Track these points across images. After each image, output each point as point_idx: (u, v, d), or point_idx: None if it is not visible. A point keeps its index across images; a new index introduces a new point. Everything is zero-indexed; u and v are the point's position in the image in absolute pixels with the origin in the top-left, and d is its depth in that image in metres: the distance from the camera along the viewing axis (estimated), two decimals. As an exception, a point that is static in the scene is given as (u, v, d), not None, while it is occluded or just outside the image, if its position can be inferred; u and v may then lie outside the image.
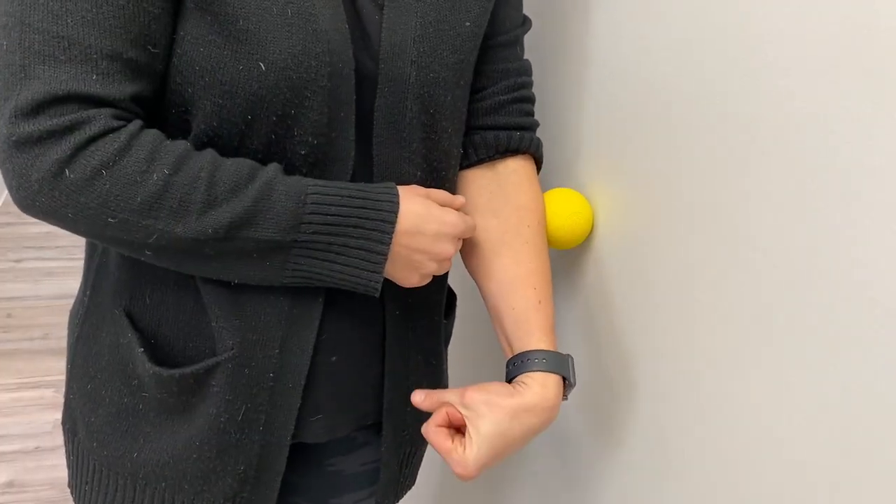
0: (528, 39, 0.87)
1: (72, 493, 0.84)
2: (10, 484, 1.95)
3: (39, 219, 0.61)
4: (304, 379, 0.74)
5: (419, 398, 0.74)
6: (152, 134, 0.62)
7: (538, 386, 0.71)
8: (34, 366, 2.36)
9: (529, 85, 0.84)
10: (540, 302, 0.77)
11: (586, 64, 0.88)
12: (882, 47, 0.50)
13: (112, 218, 0.60)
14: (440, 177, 0.77)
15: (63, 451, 2.03)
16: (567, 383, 0.74)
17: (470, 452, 0.68)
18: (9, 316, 2.59)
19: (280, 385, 0.74)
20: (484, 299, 0.81)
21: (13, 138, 0.57)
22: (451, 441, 0.69)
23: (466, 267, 0.84)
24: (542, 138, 0.86)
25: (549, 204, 0.85)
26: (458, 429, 0.72)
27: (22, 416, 2.16)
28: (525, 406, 0.70)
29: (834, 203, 0.54)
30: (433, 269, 0.73)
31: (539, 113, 0.88)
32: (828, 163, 0.54)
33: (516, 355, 0.75)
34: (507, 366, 0.75)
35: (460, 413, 0.70)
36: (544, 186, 0.88)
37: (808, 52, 0.56)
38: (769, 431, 0.61)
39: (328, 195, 0.66)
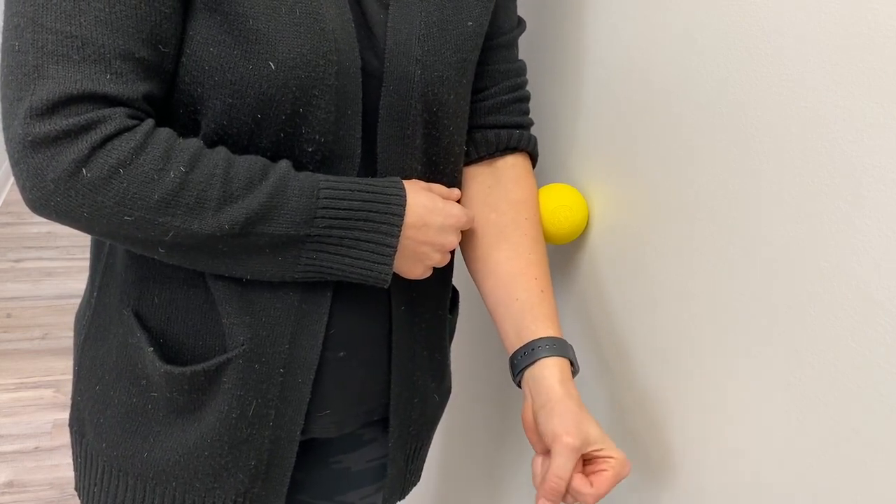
0: (525, 38, 0.89)
1: (79, 495, 0.83)
2: (9, 484, 1.95)
3: (52, 219, 0.61)
4: (314, 373, 0.75)
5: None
6: (166, 132, 0.63)
7: (558, 371, 0.72)
8: (34, 366, 2.36)
9: (526, 84, 0.86)
10: (542, 291, 0.78)
11: (581, 62, 0.89)
12: (883, 47, 0.50)
13: (129, 216, 0.60)
14: (439, 171, 0.78)
15: (63, 451, 2.05)
16: (572, 369, 0.75)
17: (615, 452, 0.68)
18: (9, 316, 2.59)
19: (290, 380, 0.74)
20: (484, 294, 0.82)
21: (28, 138, 0.57)
22: (606, 471, 0.67)
23: (466, 262, 0.85)
24: (538, 135, 0.87)
25: (544, 199, 0.86)
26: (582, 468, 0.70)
27: (22, 416, 2.16)
28: (573, 394, 0.71)
29: (833, 201, 0.54)
30: (437, 260, 0.74)
31: (535, 110, 0.89)
32: (827, 161, 0.55)
33: (524, 345, 0.75)
34: (514, 357, 0.76)
35: (580, 457, 0.68)
36: (540, 182, 0.89)
37: (805, 50, 0.56)
38: (764, 428, 0.62)
39: (339, 190, 0.67)
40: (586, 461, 0.69)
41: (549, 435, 0.68)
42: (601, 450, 0.68)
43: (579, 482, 0.67)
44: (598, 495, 0.66)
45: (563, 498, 0.67)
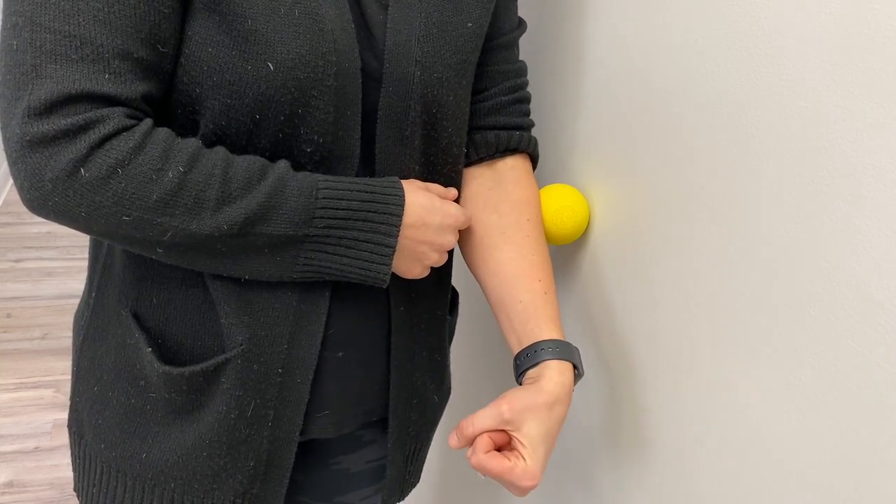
0: (525, 38, 0.88)
1: (78, 496, 0.83)
2: (9, 484, 1.95)
3: (50, 219, 0.61)
4: (312, 373, 0.75)
5: (454, 441, 0.71)
6: (165, 132, 0.62)
7: (556, 374, 0.72)
8: (34, 366, 2.37)
9: (527, 85, 0.86)
10: (546, 293, 0.78)
11: (581, 62, 0.89)
12: (883, 47, 0.50)
13: (127, 216, 0.60)
14: (437, 172, 0.78)
15: (63, 451, 2.05)
16: (576, 372, 0.75)
17: (532, 461, 0.67)
18: (9, 316, 2.59)
19: (288, 380, 0.74)
20: (487, 295, 0.82)
21: (27, 138, 0.57)
22: (507, 460, 0.68)
23: (468, 264, 0.85)
24: (538, 136, 0.87)
25: (546, 200, 0.86)
26: (499, 448, 0.70)
27: (22, 416, 2.17)
28: (555, 397, 0.70)
29: (833, 201, 0.54)
30: (435, 259, 0.75)
31: (535, 110, 0.89)
32: (827, 161, 0.55)
33: (528, 346, 0.75)
34: (518, 358, 0.76)
35: (502, 431, 0.69)
36: (541, 183, 0.89)
37: (805, 50, 0.56)
38: (764, 428, 0.62)
39: (338, 190, 0.67)
40: (509, 447, 0.70)
41: (500, 398, 0.70)
42: (524, 448, 0.68)
43: (481, 441, 0.68)
44: (479, 464, 0.67)
45: (463, 444, 0.70)
